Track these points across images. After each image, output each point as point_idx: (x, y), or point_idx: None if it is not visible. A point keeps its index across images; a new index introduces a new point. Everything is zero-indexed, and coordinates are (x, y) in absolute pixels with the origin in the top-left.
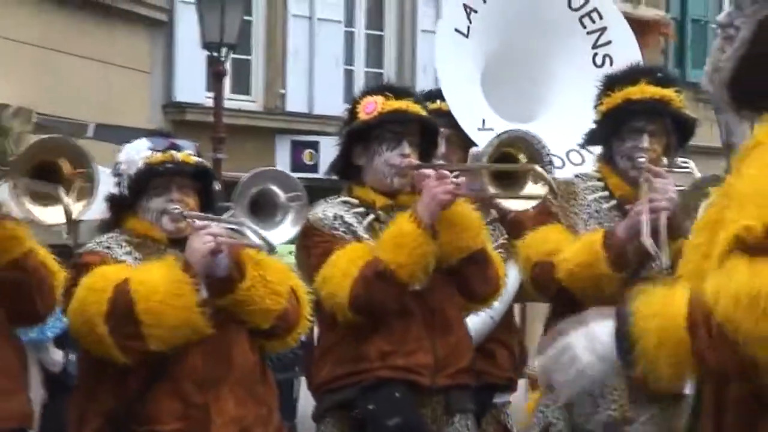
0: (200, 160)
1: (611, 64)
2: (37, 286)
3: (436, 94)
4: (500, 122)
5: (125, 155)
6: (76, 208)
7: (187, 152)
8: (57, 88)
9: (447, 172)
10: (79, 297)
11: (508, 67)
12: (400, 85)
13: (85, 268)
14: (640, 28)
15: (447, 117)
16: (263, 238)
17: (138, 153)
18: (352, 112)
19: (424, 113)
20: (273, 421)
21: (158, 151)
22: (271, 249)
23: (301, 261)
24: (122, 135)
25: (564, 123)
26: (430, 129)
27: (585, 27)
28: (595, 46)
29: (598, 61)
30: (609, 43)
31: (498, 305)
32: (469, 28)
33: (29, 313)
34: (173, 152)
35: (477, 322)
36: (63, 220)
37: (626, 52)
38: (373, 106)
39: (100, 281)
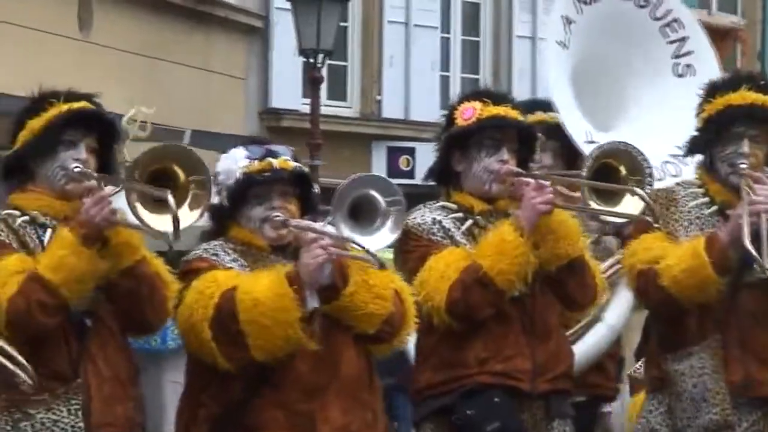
0: (297, 165)
1: (693, 74)
2: (148, 296)
3: (540, 104)
4: (593, 132)
5: (223, 165)
6: (191, 215)
7: (284, 158)
8: (154, 95)
9: (545, 182)
10: (188, 300)
11: (595, 77)
12: (498, 91)
13: (194, 274)
14: (716, 35)
15: (553, 129)
16: (372, 254)
17: (235, 162)
18: (450, 118)
19: (522, 119)
20: (379, 426)
21: (255, 159)
22: (381, 265)
23: (398, 265)
24: (218, 142)
25: (646, 134)
26: (528, 135)
27: (667, 36)
28: (676, 56)
29: (679, 71)
30: (690, 53)
31: (618, 318)
32: (569, 39)
33: (140, 323)
34: (270, 159)
35: (598, 333)
36: (184, 224)
37: (706, 62)
38: (471, 112)
39: (211, 286)
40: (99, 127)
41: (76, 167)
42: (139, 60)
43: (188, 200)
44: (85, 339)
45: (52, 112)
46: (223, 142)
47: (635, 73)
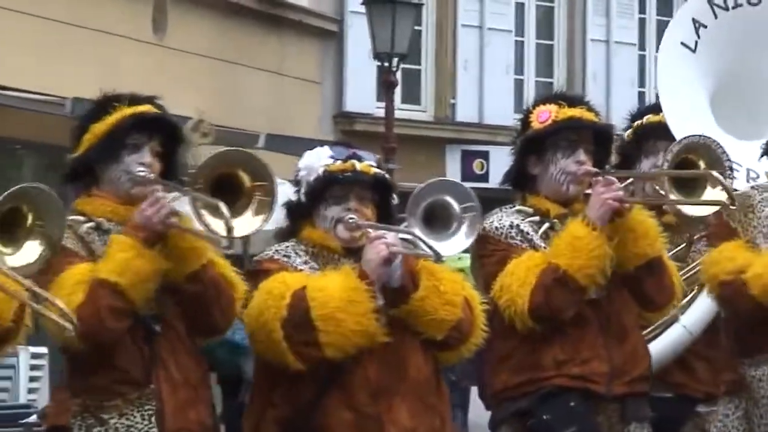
0: (380, 171)
1: None
2: (215, 299)
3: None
4: (727, 139)
5: (305, 162)
6: (255, 221)
7: (368, 163)
8: (229, 99)
9: (614, 178)
10: (256, 302)
11: (737, 84)
12: (574, 94)
13: (264, 275)
14: None
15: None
16: (431, 247)
17: (318, 160)
18: (526, 122)
19: (597, 120)
20: (446, 431)
21: (339, 159)
22: (438, 258)
23: (476, 270)
24: (293, 145)
25: None
26: (604, 137)
27: None
28: None
29: None
30: None
31: (695, 318)
32: (696, 42)
33: (208, 326)
34: (354, 161)
35: (673, 335)
36: (242, 233)
37: None
38: (547, 115)
39: (280, 287)
40: (163, 130)
41: (141, 171)
42: (214, 64)
43: (253, 206)
44: (155, 344)
45: (116, 116)
46: (298, 146)
47: None
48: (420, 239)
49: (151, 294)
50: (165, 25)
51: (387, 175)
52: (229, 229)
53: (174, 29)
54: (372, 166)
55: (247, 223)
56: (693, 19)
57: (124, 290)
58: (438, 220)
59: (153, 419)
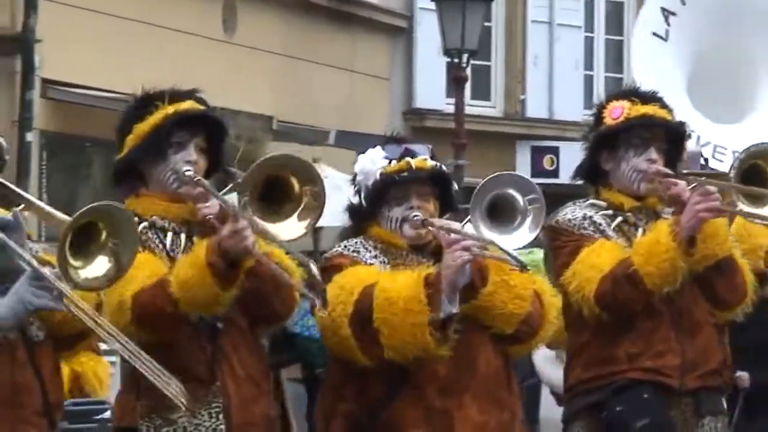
0: (436, 163)
1: None
2: (274, 290)
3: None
4: (706, 124)
5: (361, 166)
6: (299, 226)
7: (422, 157)
8: (299, 95)
9: (712, 188)
10: (329, 297)
11: (714, 67)
12: (647, 90)
13: (335, 270)
14: None
15: None
16: (514, 257)
17: (373, 163)
18: (599, 117)
19: (670, 118)
20: (516, 426)
21: (393, 159)
22: (523, 267)
23: (549, 263)
24: (363, 141)
25: None
26: (677, 134)
27: None
28: None
29: None
30: None
31: None
32: (667, 31)
33: (269, 316)
34: (408, 159)
35: None
36: (285, 238)
37: None
38: (619, 111)
39: (352, 281)
40: (206, 125)
41: (187, 170)
42: (284, 61)
43: (299, 211)
44: (218, 341)
45: (158, 116)
46: (367, 142)
47: (758, 61)
48: (501, 249)
49: (211, 312)
50: (235, 23)
51: (443, 166)
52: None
53: (244, 27)
54: (426, 159)
55: (291, 228)
56: (662, 8)
57: (179, 302)
58: (502, 213)
59: (220, 416)
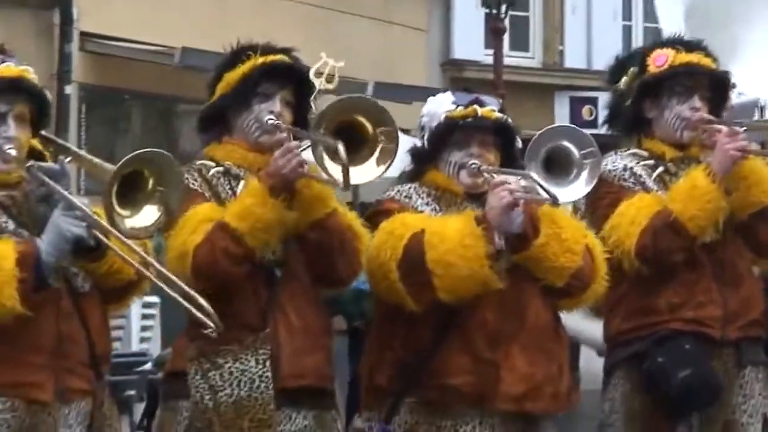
0: (502, 116)
1: None
2: (339, 248)
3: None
4: None
5: (428, 108)
6: (379, 169)
7: (490, 108)
8: (336, 47)
9: (738, 129)
10: (376, 242)
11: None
12: (692, 39)
13: (384, 215)
14: None
15: None
16: (548, 191)
17: (440, 107)
18: (643, 65)
19: (714, 67)
20: (563, 379)
21: (461, 105)
22: (555, 202)
23: (589, 212)
24: (401, 93)
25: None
26: (721, 83)
27: None
28: None
29: None
30: None
31: None
32: None
33: (331, 275)
34: (476, 107)
35: None
36: (365, 180)
37: None
38: (663, 59)
39: (400, 228)
40: (295, 81)
41: (270, 119)
42: (321, 12)
43: (376, 153)
44: (275, 290)
45: (248, 65)
46: (406, 94)
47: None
48: (537, 183)
49: (272, 242)
50: None
51: (509, 120)
52: (346, 171)
53: None
54: (494, 110)
55: (370, 171)
56: None
57: (243, 235)
58: (558, 165)
59: (267, 364)
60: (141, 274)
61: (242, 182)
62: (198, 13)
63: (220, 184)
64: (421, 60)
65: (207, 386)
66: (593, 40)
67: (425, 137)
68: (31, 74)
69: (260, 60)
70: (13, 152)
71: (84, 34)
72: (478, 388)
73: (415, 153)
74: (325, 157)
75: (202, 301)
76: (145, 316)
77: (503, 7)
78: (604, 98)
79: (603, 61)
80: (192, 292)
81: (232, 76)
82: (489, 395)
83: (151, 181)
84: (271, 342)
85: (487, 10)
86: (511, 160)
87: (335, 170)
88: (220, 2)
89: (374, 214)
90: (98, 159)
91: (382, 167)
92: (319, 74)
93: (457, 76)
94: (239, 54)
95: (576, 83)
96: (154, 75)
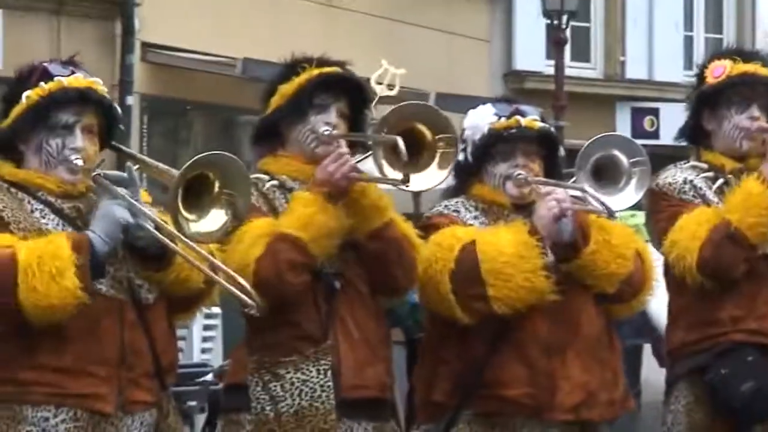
0: (544, 125)
1: None
2: (397, 258)
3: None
4: None
5: (470, 121)
6: (440, 174)
7: (532, 118)
8: (398, 58)
9: None
10: (426, 254)
11: None
12: (748, 49)
13: (434, 229)
14: None
15: None
16: (603, 204)
17: (482, 119)
18: (701, 77)
19: None
20: (618, 386)
21: (503, 116)
22: (611, 214)
23: (649, 226)
24: (463, 104)
25: None
26: None
27: None
28: None
29: None
30: None
31: None
32: None
33: (390, 285)
34: (518, 117)
35: None
36: (427, 186)
37: None
38: (721, 70)
39: (450, 239)
40: (350, 93)
41: (326, 130)
42: (384, 23)
43: (437, 159)
44: (334, 301)
45: (304, 77)
46: (468, 105)
47: None
48: (591, 195)
49: (333, 250)
50: None
51: (552, 129)
52: (406, 176)
53: None
54: (536, 120)
55: (432, 176)
56: None
57: (306, 245)
58: (607, 175)
59: (328, 374)
60: (208, 280)
61: None
62: (260, 24)
63: (276, 198)
64: (483, 71)
65: (268, 397)
66: (654, 50)
67: (468, 151)
68: (100, 86)
69: (315, 71)
70: (80, 162)
71: (145, 45)
72: (535, 399)
73: (458, 167)
74: (385, 164)
75: (241, 280)
76: (206, 327)
77: (565, 18)
78: (665, 109)
79: (664, 71)
80: (228, 269)
81: (287, 89)
82: (546, 406)
83: (217, 185)
84: (331, 354)
85: (549, 21)
86: (554, 170)
87: (396, 177)
88: (281, 13)
89: (423, 228)
90: (165, 166)
91: (444, 172)
92: (379, 82)
93: (519, 86)
94: (294, 67)
95: (637, 94)
96: (216, 85)
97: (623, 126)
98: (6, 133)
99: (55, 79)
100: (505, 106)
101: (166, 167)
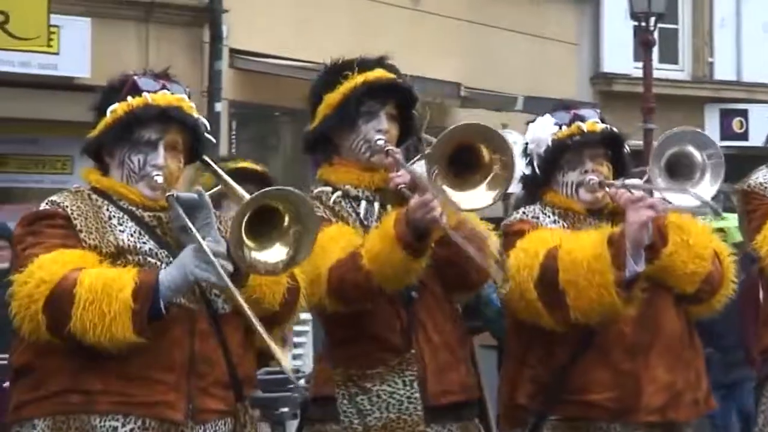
0: (606, 126)
1: None
2: (467, 257)
3: None
4: None
5: (531, 135)
6: (487, 196)
7: (592, 121)
8: (486, 61)
9: None
10: (512, 261)
11: None
12: None
13: (517, 235)
14: None
15: None
16: (706, 202)
17: (544, 131)
18: None
19: None
20: (702, 385)
21: (564, 125)
22: (716, 212)
23: (742, 226)
24: (551, 107)
25: None
26: None
27: None
28: None
29: None
30: None
31: None
32: None
33: (463, 283)
34: (579, 123)
35: None
36: (473, 206)
37: None
38: None
39: (536, 244)
40: (396, 94)
41: (379, 139)
42: (471, 27)
43: (488, 180)
44: (413, 309)
45: (348, 86)
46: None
47: None
48: (697, 196)
49: (404, 284)
50: None
51: (613, 128)
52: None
53: None
54: (597, 122)
55: (479, 197)
56: None
57: (371, 273)
58: (681, 170)
59: (415, 384)
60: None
61: (363, 203)
62: (346, 29)
63: (343, 208)
64: (571, 73)
65: (355, 410)
66: (743, 51)
67: (534, 163)
68: (186, 102)
69: (360, 79)
70: (161, 180)
71: (233, 51)
72: (620, 403)
73: (526, 181)
74: (446, 187)
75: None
76: (297, 333)
77: (652, 20)
78: (754, 110)
79: (753, 72)
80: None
81: (333, 98)
82: (632, 408)
83: (287, 219)
84: (415, 362)
85: (637, 23)
86: (621, 169)
87: (456, 195)
88: (367, 18)
89: (505, 235)
90: (243, 191)
91: (492, 194)
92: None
93: (607, 89)
94: (335, 73)
95: (726, 95)
96: (304, 91)
97: (712, 127)
98: (92, 143)
99: (142, 95)
100: (564, 113)
101: (243, 192)
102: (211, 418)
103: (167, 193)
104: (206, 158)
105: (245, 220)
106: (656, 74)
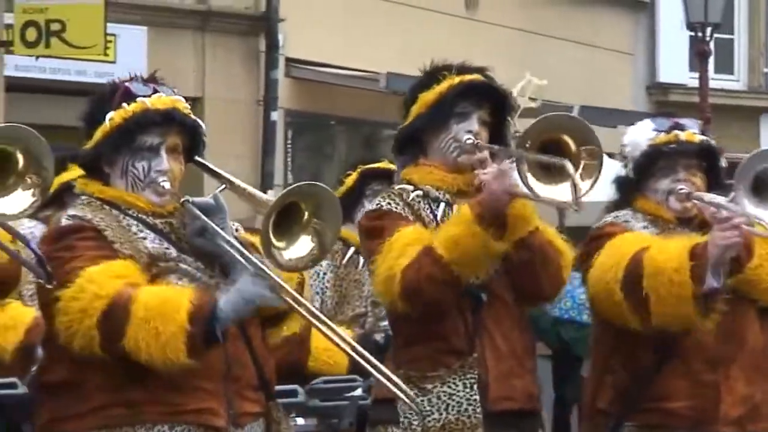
0: (705, 138)
1: None
2: (543, 266)
3: None
4: None
5: (630, 138)
6: (583, 186)
7: (691, 131)
8: (540, 71)
9: None
10: (599, 261)
11: None
12: None
13: (607, 237)
14: None
15: None
16: None
17: (642, 135)
18: None
19: None
20: None
21: (662, 131)
22: None
23: None
24: (607, 116)
25: None
26: None
27: None
28: None
29: None
30: None
31: None
32: None
33: (535, 293)
34: (677, 132)
35: None
36: (568, 198)
37: None
38: None
39: (624, 245)
40: (491, 100)
41: (468, 139)
42: (525, 37)
43: (580, 170)
44: (480, 313)
45: (444, 85)
46: (612, 118)
47: None
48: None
49: (481, 272)
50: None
51: (712, 141)
52: (577, 188)
53: (485, 3)
54: (695, 134)
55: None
56: None
57: (448, 263)
58: (766, 188)
59: (475, 387)
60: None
61: (442, 205)
62: (401, 38)
63: (422, 208)
64: (627, 83)
65: (415, 412)
66: None
67: (629, 167)
68: (182, 103)
69: (456, 79)
70: (167, 185)
71: (289, 60)
72: (697, 412)
73: (620, 183)
74: (529, 176)
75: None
76: None
77: (708, 30)
78: None
79: None
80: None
81: (428, 97)
82: (709, 418)
83: (306, 213)
84: (478, 366)
85: (692, 33)
86: (715, 182)
87: (539, 188)
88: (423, 26)
89: (596, 237)
90: (252, 188)
91: (587, 183)
92: (521, 95)
93: (663, 99)
94: (434, 75)
95: None
96: (359, 100)
97: None
98: (90, 154)
99: (138, 100)
100: (664, 121)
101: (254, 191)
102: (248, 421)
103: (182, 199)
104: (199, 159)
105: (272, 223)
106: (712, 84)
